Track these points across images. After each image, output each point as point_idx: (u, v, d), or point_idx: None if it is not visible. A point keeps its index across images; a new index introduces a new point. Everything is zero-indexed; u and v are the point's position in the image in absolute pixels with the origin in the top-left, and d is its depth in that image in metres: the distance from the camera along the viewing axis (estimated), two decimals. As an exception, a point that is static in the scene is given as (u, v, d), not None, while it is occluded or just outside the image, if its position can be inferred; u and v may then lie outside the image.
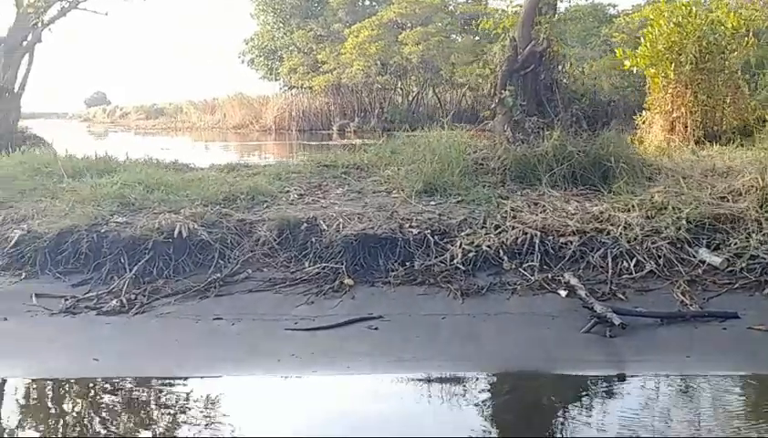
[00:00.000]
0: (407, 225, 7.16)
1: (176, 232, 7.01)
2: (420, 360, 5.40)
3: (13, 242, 7.20)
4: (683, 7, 13.61)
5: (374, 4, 43.35)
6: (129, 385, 5.17)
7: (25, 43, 16.10)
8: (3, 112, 14.98)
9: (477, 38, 40.47)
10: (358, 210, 7.54)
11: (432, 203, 7.76)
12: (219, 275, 6.74)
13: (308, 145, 32.73)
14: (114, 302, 6.35)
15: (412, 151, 8.74)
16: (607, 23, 40.55)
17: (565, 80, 9.01)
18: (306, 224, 7.27)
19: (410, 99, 43.77)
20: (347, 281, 6.63)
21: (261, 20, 45.08)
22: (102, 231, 7.13)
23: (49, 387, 5.14)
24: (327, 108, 43.73)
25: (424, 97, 43.91)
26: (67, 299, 6.45)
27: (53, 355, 5.56)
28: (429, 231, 7.09)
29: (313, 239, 7.12)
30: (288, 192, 8.33)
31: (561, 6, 39.60)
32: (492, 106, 9.14)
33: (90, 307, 6.36)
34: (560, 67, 9.13)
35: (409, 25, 40.53)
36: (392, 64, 40.66)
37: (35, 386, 5.17)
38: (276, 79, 45.51)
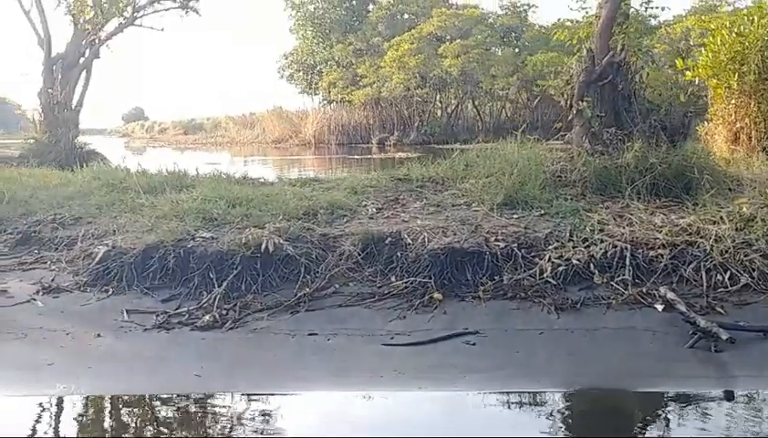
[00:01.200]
0: (492, 239, 7.09)
1: (263, 247, 7.00)
2: (524, 376, 5.33)
3: (98, 258, 7.24)
4: (745, 17, 13.43)
5: (413, 17, 43.41)
6: (233, 401, 5.17)
7: (82, 59, 16.34)
8: (62, 128, 15.18)
9: (517, 50, 40.55)
10: (441, 224, 7.47)
11: (515, 216, 7.68)
12: (308, 290, 6.71)
13: (352, 159, 32.86)
14: (207, 317, 6.34)
15: (488, 164, 8.67)
16: (648, 34, 40.35)
17: (642, 92, 8.88)
18: (390, 239, 7.22)
19: (450, 111, 43.80)
20: (437, 295, 6.56)
21: (300, 35, 45.38)
22: (189, 246, 7.14)
23: (154, 403, 5.14)
24: (366, 121, 43.91)
25: (463, 109, 43.92)
26: (158, 315, 6.45)
27: (153, 371, 5.57)
28: (515, 245, 7.00)
29: (398, 253, 7.07)
30: (366, 206, 8.30)
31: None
32: (570, 118, 9.03)
33: (183, 323, 6.35)
34: (637, 78, 9.01)
35: (448, 37, 40.61)
36: (432, 77, 40.72)
37: (139, 402, 5.18)
38: (315, 94, 45.75)
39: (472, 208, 8.00)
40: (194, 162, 14.45)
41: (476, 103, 43.70)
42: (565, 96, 8.98)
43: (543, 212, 7.73)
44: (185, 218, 7.66)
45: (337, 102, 43.83)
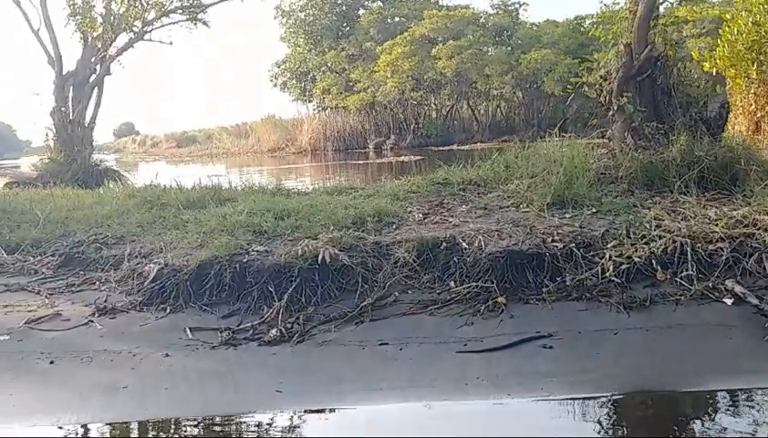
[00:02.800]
0: (549, 240, 7.03)
1: (320, 258, 6.92)
2: (612, 377, 5.27)
3: (151, 276, 7.15)
4: (760, 5, 13.44)
5: (404, 20, 43.43)
6: (324, 416, 5.10)
7: (93, 76, 16.22)
8: (78, 146, 15.05)
9: (510, 49, 40.59)
10: (494, 227, 7.42)
11: (567, 215, 7.64)
12: (369, 299, 6.64)
13: (354, 165, 32.82)
14: (273, 332, 6.25)
15: (530, 164, 8.62)
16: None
17: (681, 85, 8.86)
18: (445, 244, 7.16)
19: (445, 113, 43.83)
20: (501, 299, 6.51)
21: (292, 42, 45.33)
22: (244, 261, 7.05)
23: (243, 422, 5.06)
24: (362, 126, 43.92)
25: (459, 110, 43.96)
26: (221, 331, 6.37)
27: (231, 389, 5.49)
28: (573, 244, 6.96)
29: (455, 258, 7.01)
30: (411, 212, 8.24)
31: (594, 12, 39.53)
32: (610, 114, 8.98)
33: (249, 339, 6.26)
34: (675, 71, 8.99)
35: (441, 39, 40.62)
36: (426, 79, 40.73)
37: (227, 423, 5.09)
38: (309, 101, 45.72)
39: (520, 209, 7.95)
40: (196, 175, 14.39)
41: (471, 103, 43.76)
42: (604, 92, 8.93)
43: (594, 210, 7.68)
44: (235, 232, 7.57)
45: (331, 108, 43.80)
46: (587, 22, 42.45)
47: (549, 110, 41.70)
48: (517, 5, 42.96)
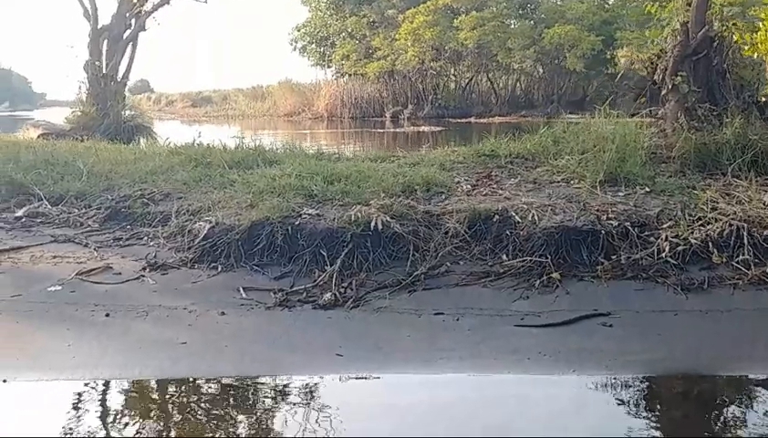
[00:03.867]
0: (604, 217, 6.99)
1: (372, 224, 6.89)
2: (675, 359, 5.25)
3: (203, 234, 7.13)
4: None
5: (428, -11, 42.92)
6: (387, 382, 5.10)
7: (128, 32, 16.09)
8: (110, 101, 14.98)
9: (533, 23, 40.21)
10: (546, 201, 7.37)
11: (620, 193, 7.58)
12: (422, 268, 6.62)
13: (372, 132, 32.69)
14: (328, 296, 6.24)
15: (580, 140, 8.55)
16: (664, 7, 39.97)
17: (735, 67, 8.75)
18: (497, 216, 7.12)
19: (464, 85, 43.52)
20: (555, 275, 6.48)
21: (312, 6, 44.89)
22: (296, 223, 7.03)
23: (309, 383, 5.05)
24: (380, 95, 43.66)
25: (478, 83, 43.65)
26: (274, 293, 6.36)
27: (293, 350, 5.48)
28: (628, 223, 6.91)
29: (507, 231, 6.97)
30: (459, 182, 8.19)
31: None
32: (663, 93, 8.88)
33: (303, 301, 6.26)
34: (730, 53, 8.88)
35: (463, 10, 40.21)
36: (447, 50, 40.40)
37: (287, 384, 5.09)
38: (328, 67, 45.37)
39: (572, 185, 7.90)
40: (215, 135, 14.32)
41: (490, 76, 43.44)
42: (658, 70, 8.81)
43: (648, 189, 7.62)
44: (284, 195, 7.54)
45: (350, 75, 43.48)
46: (612, 0, 42.17)
47: (570, 87, 41.45)
48: (543, -21, 42.36)
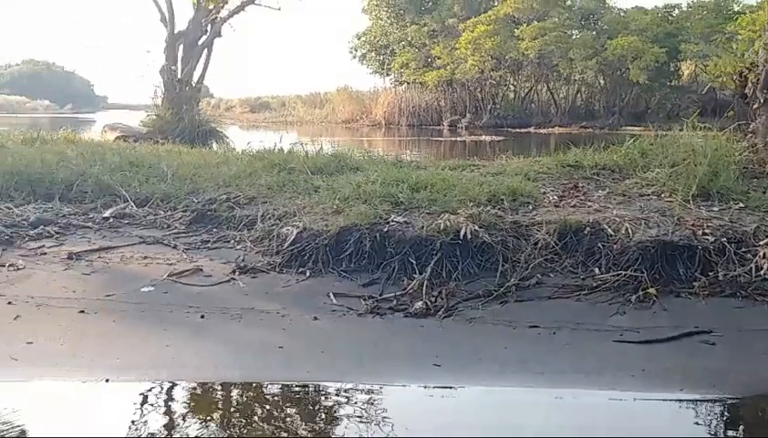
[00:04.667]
0: (700, 232, 6.83)
1: (462, 233, 6.84)
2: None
3: (291, 239, 7.16)
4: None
5: (489, -1, 42.90)
6: (481, 394, 5.03)
7: (204, 37, 16.34)
8: (185, 105, 15.21)
9: (595, 34, 39.77)
10: (639, 214, 7.23)
11: (714, 208, 7.40)
12: (513, 280, 6.53)
13: (431, 140, 32.66)
14: (419, 304, 6.20)
15: (670, 153, 8.38)
16: (731, 20, 39.17)
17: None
18: (589, 229, 7.01)
19: (523, 94, 43.26)
20: (651, 290, 6.33)
21: (374, 15, 45.12)
22: (384, 230, 7.01)
23: (404, 393, 5.02)
24: (438, 103, 43.70)
25: (538, 93, 43.35)
26: (364, 299, 6.34)
27: (387, 358, 5.44)
28: (725, 239, 6.74)
29: (600, 244, 6.85)
30: (545, 193, 8.09)
31: (683, 2, 38.39)
32: (755, 107, 8.67)
33: (393, 309, 6.23)
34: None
35: (525, 19, 39.98)
36: (507, 59, 40.21)
37: (386, 393, 5.05)
38: (387, 75, 45.55)
39: (663, 199, 7.74)
40: (278, 141, 14.36)
41: (550, 87, 43.11)
42: (749, 84, 8.60)
43: (742, 204, 7.43)
44: (370, 201, 7.53)
45: (408, 83, 43.58)
46: (676, 12, 41.50)
47: (631, 99, 40.89)
48: (606, -11, 41.87)
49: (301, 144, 10.87)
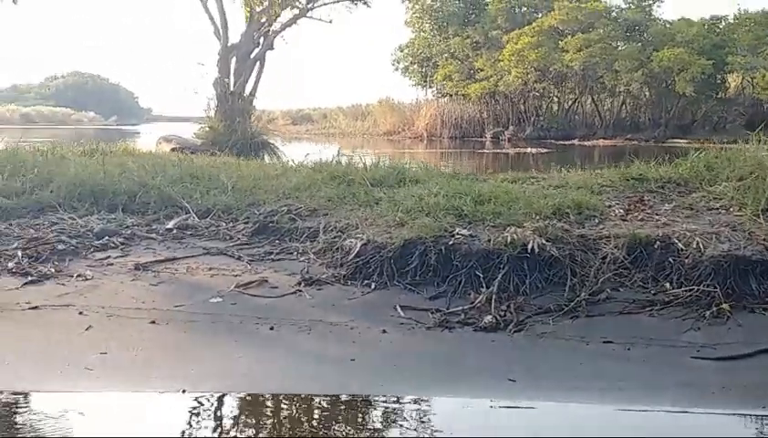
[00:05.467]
0: (773, 248, 6.67)
1: (529, 247, 6.77)
2: None
3: (355, 251, 7.15)
4: None
5: (533, 10, 42.71)
6: (564, 410, 4.95)
7: (256, 50, 16.49)
8: (239, 117, 15.35)
9: (640, 45, 39.36)
10: (708, 228, 7.10)
11: (786, 223, 7.23)
12: (583, 294, 6.44)
13: (473, 152, 32.56)
14: (488, 318, 6.14)
15: (737, 166, 8.23)
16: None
17: None
18: (659, 243, 6.89)
19: (567, 107, 42.99)
20: (725, 306, 6.20)
21: (416, 27, 45.21)
22: (450, 243, 6.96)
23: (479, 408, 4.96)
24: (480, 115, 43.60)
25: (582, 105, 43.05)
26: (432, 313, 6.30)
27: (463, 373, 5.39)
28: (800, 254, 6.58)
29: (670, 259, 6.73)
30: (611, 206, 7.99)
31: (730, 14, 37.90)
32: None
33: (462, 323, 6.18)
34: None
35: (569, 31, 39.76)
36: (551, 71, 40.01)
37: (468, 407, 5.00)
38: (429, 87, 45.57)
39: (731, 213, 7.59)
40: (321, 153, 14.37)
41: (595, 99, 42.78)
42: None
43: (814, 220, 7.25)
44: (434, 214, 7.50)
45: (451, 95, 43.55)
46: (723, 23, 40.95)
47: (677, 111, 40.42)
48: (651, 1, 41.47)
49: (359, 157, 10.87)
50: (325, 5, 17.58)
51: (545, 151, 31.34)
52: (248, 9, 16.18)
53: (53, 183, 9.26)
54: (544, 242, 6.88)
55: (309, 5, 17.09)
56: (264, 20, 16.21)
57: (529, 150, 31.81)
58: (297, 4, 16.65)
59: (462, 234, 7.10)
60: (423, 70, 45.17)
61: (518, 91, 40.86)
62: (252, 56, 16.46)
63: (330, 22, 17.96)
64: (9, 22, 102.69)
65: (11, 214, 8.76)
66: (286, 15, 16.83)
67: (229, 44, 16.36)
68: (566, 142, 38.28)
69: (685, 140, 36.13)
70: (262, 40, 16.51)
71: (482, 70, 40.98)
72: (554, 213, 7.64)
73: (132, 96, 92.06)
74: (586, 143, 38.24)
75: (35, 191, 9.15)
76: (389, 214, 7.68)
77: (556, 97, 42.81)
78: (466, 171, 14.50)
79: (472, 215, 7.53)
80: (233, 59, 16.18)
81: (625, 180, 8.93)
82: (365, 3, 17.79)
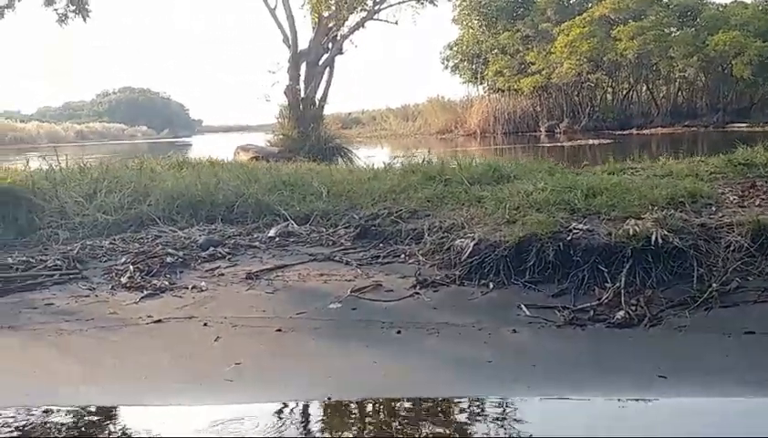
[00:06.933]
0: None
1: (653, 239, 6.58)
2: None
3: (468, 252, 7.03)
4: None
5: (583, 1, 42.17)
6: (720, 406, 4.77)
7: (325, 56, 16.50)
8: (313, 124, 15.37)
9: (694, 30, 38.55)
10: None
11: None
12: (714, 285, 6.23)
13: (528, 147, 32.19)
14: (621, 313, 5.98)
15: None
16: None
17: None
18: (785, 229, 6.65)
19: (622, 96, 42.35)
20: None
21: (464, 24, 44.93)
22: (568, 239, 6.81)
23: (628, 405, 4.81)
24: (533, 109, 43.18)
25: (638, 93, 42.37)
26: (559, 310, 6.16)
27: (604, 371, 5.23)
28: None
29: (798, 245, 6.49)
30: (724, 194, 7.76)
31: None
32: None
33: (592, 319, 6.03)
34: None
35: (621, 19, 39.14)
36: (604, 61, 39.41)
37: (618, 405, 4.85)
38: (480, 83, 45.23)
39: None
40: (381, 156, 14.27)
41: (650, 86, 42.07)
42: None
43: None
44: (544, 210, 7.35)
45: (502, 91, 43.18)
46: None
47: (735, 95, 39.53)
48: (703, -15, 40.61)
49: (453, 157, 10.76)
50: (391, 6, 17.54)
51: (606, 141, 30.89)
52: (316, 15, 16.19)
53: (150, 197, 9.32)
54: (666, 233, 6.68)
55: (376, 7, 17.07)
56: (331, 25, 16.20)
57: (591, 141, 31.39)
58: (365, 6, 16.64)
59: (580, 229, 6.94)
60: (473, 67, 44.82)
61: (571, 83, 40.35)
62: (321, 61, 16.46)
63: (396, 23, 17.91)
64: (59, 40, 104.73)
65: (112, 230, 8.84)
66: (353, 18, 16.81)
67: (298, 50, 16.39)
68: (624, 132, 37.68)
69: (745, 125, 35.32)
70: (330, 45, 16.51)
71: (533, 64, 40.58)
72: (668, 204, 7.43)
73: (183, 108, 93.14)
74: (644, 132, 37.60)
75: (133, 205, 9.22)
76: (498, 212, 7.54)
77: (610, 86, 42.18)
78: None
79: (585, 209, 7.36)
80: (303, 66, 16.21)
81: (732, 166, 8.67)
82: (432, 2, 17.70)
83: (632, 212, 7.14)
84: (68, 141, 56.70)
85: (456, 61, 46.18)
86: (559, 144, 32.71)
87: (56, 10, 13.66)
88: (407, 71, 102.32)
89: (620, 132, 37.57)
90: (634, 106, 42.25)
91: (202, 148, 31.74)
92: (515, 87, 41.61)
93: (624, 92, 42.22)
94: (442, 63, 46.67)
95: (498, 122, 43.06)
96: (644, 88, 41.68)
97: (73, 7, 13.33)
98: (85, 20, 12.71)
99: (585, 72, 39.65)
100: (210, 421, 4.70)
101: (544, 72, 40.35)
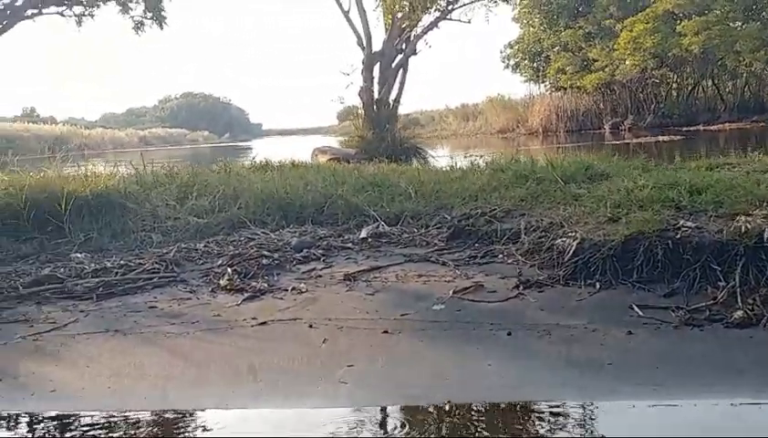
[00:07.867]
0: None
1: (766, 236, 6.37)
2: None
3: (572, 251, 6.89)
4: None
5: (645, -4, 41.38)
6: None
7: (399, 57, 16.48)
8: (389, 125, 15.36)
9: (761, 24, 37.52)
10: None
11: None
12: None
13: (591, 145, 31.68)
14: (739, 313, 5.78)
15: None
16: None
17: None
18: None
19: (687, 92, 41.49)
20: None
21: (525, 23, 44.53)
22: (677, 237, 6.63)
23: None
24: (596, 106, 42.54)
25: (704, 89, 41.47)
26: (674, 311, 5.99)
27: (735, 374, 5.05)
28: None
29: None
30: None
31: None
32: None
33: (709, 319, 5.84)
34: None
35: (685, 15, 38.32)
36: (669, 56, 38.64)
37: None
38: (542, 82, 44.77)
39: None
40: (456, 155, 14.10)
41: (716, 81, 41.11)
42: None
43: None
44: (648, 207, 7.17)
45: (565, 88, 42.66)
46: None
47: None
48: (769, -23, 39.47)
49: (544, 154, 10.62)
50: (464, 5, 17.44)
51: (675, 138, 30.26)
52: (389, 16, 16.19)
53: (240, 200, 9.38)
54: (774, 230, 6.46)
55: (449, 7, 16.99)
56: (404, 25, 16.17)
57: (659, 138, 30.78)
58: (438, 6, 16.58)
59: (688, 227, 6.74)
60: (535, 65, 44.39)
61: (635, 79, 39.66)
62: (395, 63, 16.45)
63: (469, 22, 17.81)
64: (121, 49, 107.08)
65: (204, 233, 8.91)
66: (426, 18, 16.75)
67: (372, 52, 16.40)
68: (690, 128, 36.86)
69: None
70: (404, 46, 16.49)
71: (596, 61, 40.00)
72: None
73: (243, 112, 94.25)
74: (711, 128, 36.76)
75: (224, 208, 9.30)
76: (599, 210, 7.39)
77: (675, 82, 41.34)
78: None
79: (691, 206, 7.16)
80: (376, 67, 16.22)
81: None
82: (506, 0, 17.52)
83: (740, 209, 6.92)
84: (132, 147, 57.82)
85: (517, 60, 45.77)
86: (626, 142, 32.09)
87: (132, 17, 13.84)
88: (465, 71, 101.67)
89: (687, 128, 36.75)
90: (700, 102, 41.33)
91: (264, 151, 32.01)
92: (578, 84, 41.07)
93: (689, 88, 41.33)
94: (503, 62, 46.36)
95: (560, 120, 42.52)
96: (709, 83, 40.69)
97: (150, 14, 13.47)
98: (161, 27, 12.85)
99: (649, 68, 38.96)
100: (333, 423, 4.67)
101: (607, 69, 39.75)
